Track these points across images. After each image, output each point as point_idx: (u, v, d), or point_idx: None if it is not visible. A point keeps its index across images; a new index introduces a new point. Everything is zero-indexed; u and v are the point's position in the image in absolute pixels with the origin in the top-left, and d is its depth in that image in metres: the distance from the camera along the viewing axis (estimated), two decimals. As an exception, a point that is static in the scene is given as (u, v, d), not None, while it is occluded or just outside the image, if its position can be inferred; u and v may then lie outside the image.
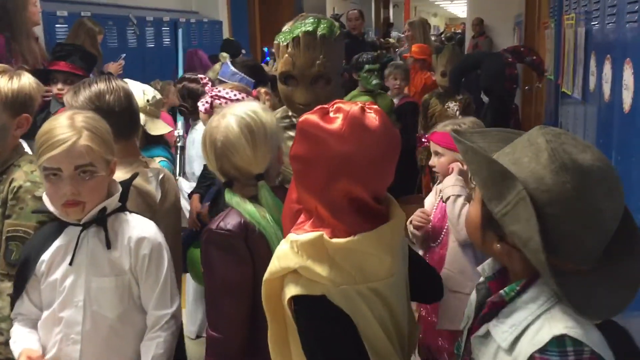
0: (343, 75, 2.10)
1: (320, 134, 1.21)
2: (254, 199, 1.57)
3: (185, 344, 1.90)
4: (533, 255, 1.03)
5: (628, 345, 1.16)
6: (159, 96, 2.59)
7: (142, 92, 2.42)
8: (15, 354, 1.61)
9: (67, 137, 1.50)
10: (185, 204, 2.79)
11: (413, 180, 4.75)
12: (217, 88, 2.43)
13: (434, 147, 2.26)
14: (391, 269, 1.27)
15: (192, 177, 3.19)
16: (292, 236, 1.26)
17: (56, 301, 1.60)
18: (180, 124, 3.47)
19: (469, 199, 2.02)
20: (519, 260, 1.09)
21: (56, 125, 1.53)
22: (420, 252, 2.26)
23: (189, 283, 3.13)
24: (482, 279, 1.23)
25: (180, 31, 4.54)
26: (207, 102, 2.35)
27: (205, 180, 2.79)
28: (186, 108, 3.30)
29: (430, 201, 2.31)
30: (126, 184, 1.68)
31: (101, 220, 1.60)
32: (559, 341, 1.02)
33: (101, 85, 1.83)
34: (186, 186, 3.09)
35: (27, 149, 1.92)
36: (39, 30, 3.82)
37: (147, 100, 2.44)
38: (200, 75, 2.94)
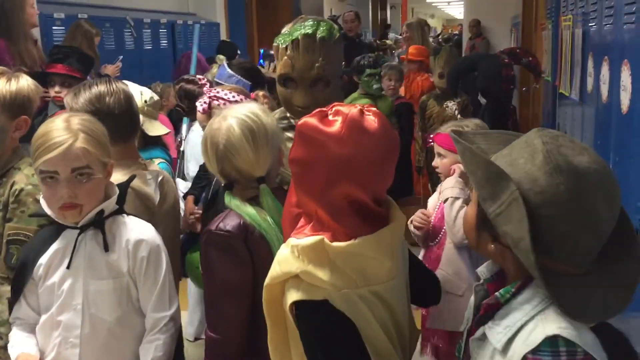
0: (342, 77, 2.10)
1: (320, 137, 1.20)
2: (254, 200, 1.57)
3: (184, 346, 1.89)
4: (523, 256, 1.03)
5: (624, 347, 1.15)
6: (156, 98, 2.59)
7: (139, 94, 2.43)
8: (13, 358, 1.61)
9: (63, 139, 1.50)
10: (181, 204, 2.79)
11: (408, 181, 4.76)
12: (215, 89, 2.43)
13: (437, 148, 2.29)
14: (392, 271, 1.27)
15: (187, 177, 3.19)
16: (292, 240, 1.25)
17: (54, 305, 1.60)
18: (185, 127, 3.47)
19: (467, 202, 2.03)
20: (512, 261, 1.09)
21: (52, 128, 1.53)
22: (422, 251, 2.30)
23: (190, 285, 3.13)
24: (481, 280, 1.23)
25: (197, 29, 4.51)
26: (205, 102, 2.34)
27: (200, 182, 2.78)
28: (182, 109, 3.30)
29: (433, 201, 2.34)
30: (123, 186, 1.67)
31: (99, 223, 1.59)
32: (551, 341, 1.03)
33: (101, 88, 1.83)
34: (182, 186, 3.08)
35: None
36: (36, 33, 3.81)
37: (145, 101, 2.45)
38: (198, 76, 2.94)
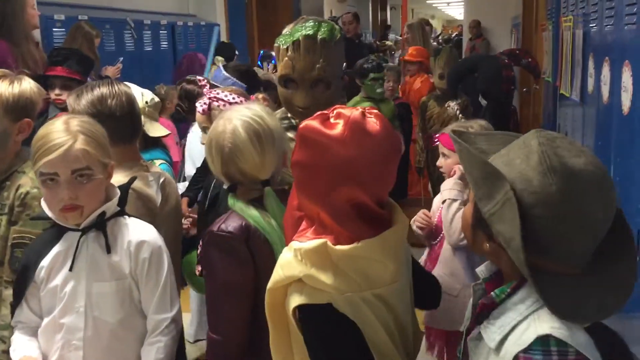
0: (343, 78, 2.10)
1: (322, 140, 1.20)
2: (257, 202, 1.57)
3: (185, 347, 1.89)
4: (514, 255, 1.04)
5: (619, 348, 1.16)
6: (157, 99, 2.60)
7: (140, 95, 2.43)
8: None
9: (62, 141, 1.50)
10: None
11: (403, 184, 4.78)
12: (215, 90, 2.43)
13: (441, 148, 2.33)
14: (395, 274, 1.27)
15: (186, 178, 3.19)
16: (295, 244, 1.25)
17: (57, 307, 1.60)
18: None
19: (465, 204, 2.05)
20: (507, 261, 1.10)
21: (51, 130, 1.53)
22: (426, 250, 2.36)
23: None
24: (480, 280, 1.24)
25: (216, 32, 4.50)
26: (205, 103, 2.34)
27: (196, 184, 2.78)
28: (182, 108, 3.29)
29: (437, 201, 2.38)
30: (125, 188, 1.67)
31: (100, 224, 1.59)
32: (543, 341, 1.03)
33: (103, 90, 1.83)
34: (181, 186, 3.08)
35: None
36: (36, 34, 3.81)
37: (146, 102, 2.45)
38: (198, 77, 2.94)
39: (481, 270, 1.23)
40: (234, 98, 2.48)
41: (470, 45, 7.78)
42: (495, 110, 3.93)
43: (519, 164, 1.08)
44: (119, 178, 1.71)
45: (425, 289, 1.50)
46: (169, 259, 1.66)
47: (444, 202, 2.19)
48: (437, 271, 2.14)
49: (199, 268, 2.30)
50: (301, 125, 1.26)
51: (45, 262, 1.60)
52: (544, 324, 1.05)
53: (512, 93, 4.24)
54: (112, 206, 1.61)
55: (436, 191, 4.86)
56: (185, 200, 2.73)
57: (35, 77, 2.60)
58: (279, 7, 8.50)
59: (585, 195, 1.03)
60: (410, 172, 5.14)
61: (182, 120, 3.81)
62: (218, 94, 2.36)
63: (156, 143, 2.56)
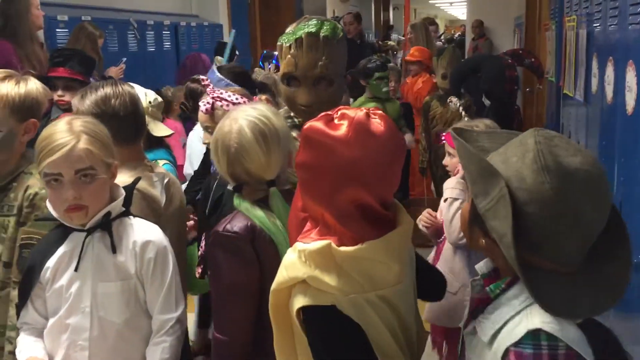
0: (346, 77, 2.11)
1: (326, 141, 1.20)
2: (262, 202, 1.57)
3: (190, 346, 1.89)
4: (506, 251, 1.06)
5: (612, 345, 1.16)
6: (160, 99, 2.61)
7: (144, 95, 2.44)
8: None
9: (65, 141, 1.50)
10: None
11: (404, 184, 4.77)
12: (218, 90, 2.43)
13: (447, 147, 2.36)
14: (399, 276, 1.27)
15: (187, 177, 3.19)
16: (299, 245, 1.25)
17: (62, 308, 1.60)
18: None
19: (465, 203, 2.09)
20: (502, 257, 1.11)
21: (55, 130, 1.53)
22: (433, 250, 2.41)
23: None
24: (478, 276, 1.26)
25: (232, 34, 4.49)
26: (208, 103, 2.34)
27: (194, 186, 2.77)
28: (186, 107, 3.29)
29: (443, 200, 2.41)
30: (129, 188, 1.67)
31: (106, 225, 1.60)
32: (533, 335, 1.05)
33: (107, 90, 1.85)
34: (183, 187, 3.08)
35: None
36: (40, 35, 3.82)
37: (149, 102, 2.46)
38: (202, 77, 2.93)
39: (480, 266, 1.25)
40: (237, 98, 2.48)
41: (473, 45, 7.77)
42: (498, 110, 3.92)
43: (515, 162, 1.09)
44: (123, 178, 1.71)
45: (430, 282, 1.51)
46: (174, 259, 1.67)
47: (445, 200, 2.22)
48: (438, 268, 2.17)
49: (199, 270, 2.31)
50: (305, 126, 1.26)
51: (50, 262, 1.61)
52: (535, 318, 1.06)
53: (515, 93, 4.23)
54: (117, 206, 1.62)
55: (439, 191, 4.88)
56: None
57: (38, 78, 2.61)
58: (282, 8, 8.50)
59: (580, 195, 1.04)
60: (412, 172, 5.14)
61: (187, 119, 3.81)
62: (222, 93, 2.35)
63: (160, 143, 2.56)
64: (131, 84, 2.25)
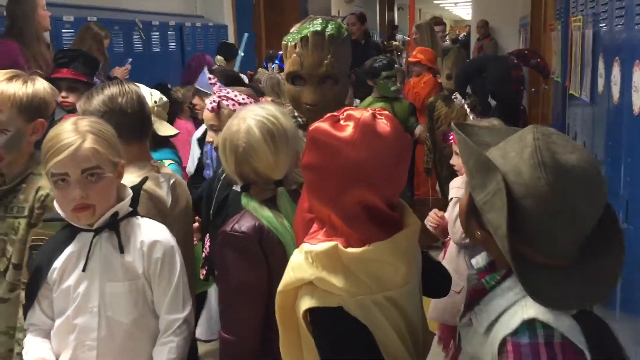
0: (350, 77, 2.11)
1: (332, 142, 1.20)
2: (270, 202, 1.57)
3: (197, 347, 1.90)
4: (500, 243, 1.08)
5: (607, 335, 1.17)
6: (165, 99, 2.62)
7: (149, 95, 2.44)
8: None
9: (71, 141, 1.51)
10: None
11: (410, 182, 4.77)
12: (225, 89, 2.43)
13: (454, 147, 2.37)
14: (406, 277, 1.27)
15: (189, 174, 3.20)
16: (306, 246, 1.25)
17: (69, 308, 1.60)
18: None
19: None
20: (497, 249, 1.12)
21: (61, 130, 1.54)
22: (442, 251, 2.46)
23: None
24: (474, 270, 1.28)
25: (245, 37, 4.49)
26: (214, 101, 2.34)
27: (191, 188, 2.77)
28: (195, 106, 3.31)
29: None
30: (136, 189, 1.68)
31: (113, 225, 1.60)
32: (529, 324, 1.08)
33: (114, 89, 1.86)
34: None
35: None
36: (46, 35, 3.83)
37: (155, 102, 2.47)
38: (208, 76, 2.94)
39: (476, 260, 1.27)
40: (243, 98, 2.48)
41: (478, 46, 7.76)
42: (504, 111, 3.91)
43: (513, 156, 1.11)
44: (130, 178, 1.71)
45: (436, 279, 1.50)
46: (182, 260, 1.67)
47: (451, 199, 2.24)
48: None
49: (204, 272, 2.31)
50: (311, 128, 1.26)
51: (58, 263, 1.61)
52: (531, 309, 1.09)
53: (521, 93, 4.22)
54: (124, 206, 1.62)
55: (444, 191, 4.87)
56: None
57: (44, 79, 2.61)
58: (286, 8, 8.50)
59: (575, 192, 1.06)
60: (417, 172, 5.13)
61: (197, 119, 3.82)
62: (228, 93, 2.35)
63: (165, 143, 2.57)
64: (137, 84, 2.26)
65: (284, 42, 2.00)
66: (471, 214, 1.19)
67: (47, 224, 1.71)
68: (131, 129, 1.84)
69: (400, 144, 1.24)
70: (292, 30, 2.00)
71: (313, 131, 1.24)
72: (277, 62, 4.25)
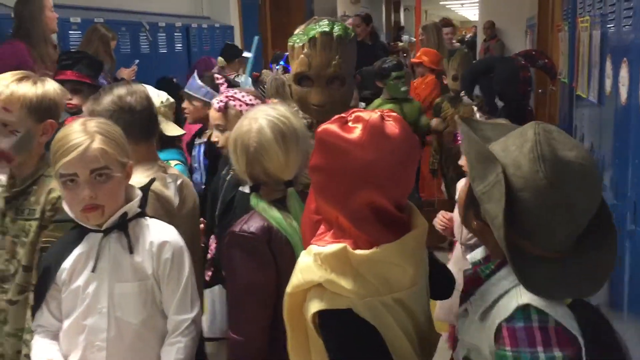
0: (355, 77, 2.11)
1: (341, 144, 1.20)
2: (279, 203, 1.57)
3: (205, 347, 1.89)
4: (496, 232, 1.12)
5: (603, 325, 1.19)
6: (171, 99, 2.63)
7: (156, 95, 2.45)
8: None
9: (80, 141, 1.51)
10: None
11: (416, 184, 4.76)
12: (232, 90, 2.44)
13: (462, 147, 2.38)
14: (414, 278, 1.27)
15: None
16: (314, 248, 1.25)
17: (78, 309, 1.60)
18: None
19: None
20: (492, 239, 1.16)
21: (69, 131, 1.54)
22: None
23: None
24: (470, 264, 1.32)
25: (256, 40, 4.50)
26: (221, 101, 2.34)
27: None
28: (182, 109, 3.31)
29: None
30: (144, 189, 1.68)
31: (122, 225, 1.60)
32: (524, 310, 1.11)
33: (122, 89, 1.88)
34: None
35: None
36: (53, 37, 3.85)
37: (161, 102, 2.48)
38: (216, 75, 2.95)
39: (472, 256, 1.31)
40: (250, 100, 2.49)
41: (484, 47, 7.74)
42: (511, 112, 3.90)
43: (513, 150, 1.15)
44: (138, 178, 1.72)
45: (441, 281, 1.50)
46: (190, 260, 1.67)
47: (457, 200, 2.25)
48: (450, 266, 2.21)
49: (209, 274, 2.30)
50: (319, 130, 1.26)
51: (67, 263, 1.61)
52: (525, 296, 1.12)
53: (528, 94, 4.21)
54: (133, 207, 1.62)
55: (450, 192, 4.86)
56: None
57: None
58: (292, 9, 8.52)
59: (572, 186, 1.09)
60: (422, 175, 5.12)
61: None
62: (235, 93, 2.36)
63: (171, 143, 2.57)
64: (143, 84, 2.27)
65: (290, 44, 2.00)
66: (470, 204, 1.23)
67: (58, 227, 1.71)
68: (140, 128, 1.86)
69: (408, 145, 1.24)
70: (296, 32, 2.00)
71: (321, 133, 1.24)
72: (282, 63, 4.25)
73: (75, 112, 2.98)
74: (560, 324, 1.09)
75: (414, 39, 9.45)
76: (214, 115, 2.35)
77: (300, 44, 1.92)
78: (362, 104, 4.38)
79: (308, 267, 1.24)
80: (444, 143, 4.72)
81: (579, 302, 1.16)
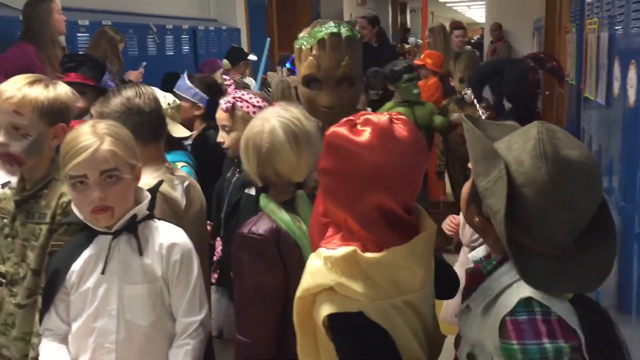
0: (362, 79, 2.11)
1: (350, 147, 1.20)
2: (288, 204, 1.57)
3: (214, 347, 1.89)
4: (498, 227, 1.14)
5: (604, 320, 1.20)
6: (178, 101, 2.64)
7: (162, 97, 2.46)
8: None
9: (90, 143, 1.52)
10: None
11: (424, 185, 4.74)
12: (240, 91, 2.44)
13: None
14: (424, 280, 1.27)
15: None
16: (324, 251, 1.25)
17: (87, 311, 1.60)
18: None
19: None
20: (493, 235, 1.18)
21: (79, 133, 1.55)
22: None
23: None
24: (472, 263, 1.33)
25: (267, 43, 4.52)
26: (229, 102, 2.35)
27: None
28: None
29: None
30: (152, 191, 1.68)
31: (132, 227, 1.60)
32: (526, 303, 1.13)
33: (130, 91, 1.90)
34: None
35: None
36: (61, 39, 3.87)
37: (168, 104, 2.48)
38: (224, 77, 2.96)
39: (473, 254, 1.33)
40: (257, 102, 2.49)
41: (491, 48, 7.73)
42: (519, 114, 3.90)
43: (516, 148, 1.17)
44: (146, 179, 1.72)
45: (445, 281, 1.50)
46: (199, 262, 1.67)
47: None
48: (455, 270, 2.22)
49: (215, 276, 2.30)
50: (328, 132, 1.26)
51: (76, 266, 1.61)
52: (526, 289, 1.13)
53: (537, 96, 4.20)
54: (142, 209, 1.62)
55: (456, 194, 4.85)
56: None
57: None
58: (299, 10, 8.53)
59: (574, 185, 1.11)
60: (428, 176, 5.11)
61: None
62: (243, 95, 2.36)
63: (178, 145, 2.58)
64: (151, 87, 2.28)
65: (297, 46, 2.00)
66: (472, 200, 1.25)
67: (68, 230, 1.71)
68: (148, 129, 1.87)
69: (417, 148, 1.24)
70: (301, 35, 2.00)
71: (330, 136, 1.25)
72: (288, 65, 4.24)
73: (79, 114, 2.98)
74: (561, 317, 1.11)
75: (421, 41, 9.44)
76: (220, 115, 2.35)
77: (308, 46, 1.91)
78: (368, 109, 4.37)
79: (318, 270, 1.24)
80: (450, 145, 4.72)
81: (581, 298, 1.18)
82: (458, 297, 1.83)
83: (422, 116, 4.08)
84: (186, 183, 1.98)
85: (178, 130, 2.51)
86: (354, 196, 1.21)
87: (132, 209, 1.60)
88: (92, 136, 1.53)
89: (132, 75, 4.37)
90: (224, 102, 2.37)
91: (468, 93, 4.22)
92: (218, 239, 2.41)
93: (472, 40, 11.96)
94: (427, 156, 1.33)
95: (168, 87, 3.02)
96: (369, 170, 1.19)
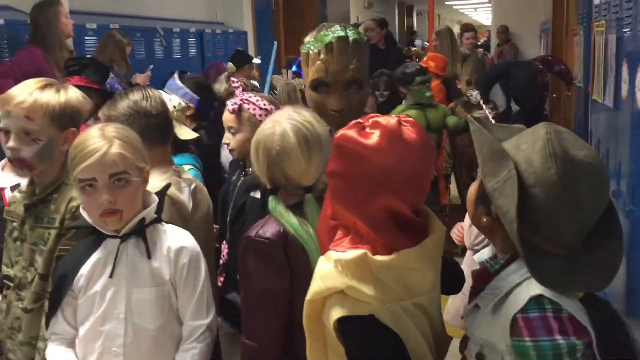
0: (369, 82, 2.11)
1: (359, 150, 1.20)
2: (296, 208, 1.57)
3: (221, 350, 1.89)
4: (508, 225, 1.14)
5: (614, 319, 1.20)
6: (184, 104, 2.65)
7: (168, 99, 2.46)
8: None
9: (99, 146, 1.52)
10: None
11: (433, 188, 4.72)
12: (247, 93, 2.44)
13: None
14: (434, 282, 1.27)
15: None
16: (334, 254, 1.25)
17: (95, 314, 1.60)
18: None
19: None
20: (500, 235, 1.20)
21: (87, 137, 1.55)
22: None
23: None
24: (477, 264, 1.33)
25: (275, 46, 4.53)
26: (235, 104, 2.35)
27: None
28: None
29: None
30: (160, 195, 1.68)
31: (140, 231, 1.60)
32: (537, 300, 1.14)
33: (137, 94, 1.90)
34: None
35: None
36: (69, 43, 3.89)
37: (174, 107, 2.49)
38: (232, 78, 2.97)
39: (479, 256, 1.32)
40: (264, 104, 2.49)
41: (498, 51, 7.71)
42: (527, 116, 3.88)
43: (525, 148, 1.18)
44: (154, 182, 1.72)
45: (450, 276, 1.49)
46: (206, 266, 1.67)
47: None
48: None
49: (221, 279, 2.30)
50: (337, 135, 1.26)
51: (84, 269, 1.61)
52: (536, 287, 1.14)
53: (545, 99, 4.18)
54: (151, 212, 1.62)
55: (463, 196, 4.84)
56: None
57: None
58: (305, 14, 8.55)
59: (582, 185, 1.12)
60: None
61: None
62: (250, 97, 2.36)
63: (185, 148, 2.58)
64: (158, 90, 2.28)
65: (303, 51, 1.99)
66: (480, 200, 1.25)
67: (76, 234, 1.70)
68: (156, 132, 1.88)
69: (425, 150, 1.24)
70: (307, 39, 2.00)
71: (339, 139, 1.25)
72: (294, 67, 4.24)
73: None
74: (572, 315, 1.12)
75: (427, 44, 9.43)
76: (227, 117, 2.35)
77: (316, 51, 1.91)
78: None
79: (329, 273, 1.24)
80: (457, 148, 4.71)
81: (591, 297, 1.18)
82: (458, 300, 1.83)
83: (434, 119, 4.04)
84: (193, 186, 1.98)
85: (184, 133, 2.52)
86: (362, 199, 1.21)
87: (141, 212, 1.60)
88: (101, 139, 1.53)
89: (140, 78, 4.39)
90: (230, 104, 2.37)
91: (474, 94, 4.20)
92: (224, 242, 2.41)
93: (479, 43, 11.93)
94: (435, 158, 1.33)
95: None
96: (377, 172, 1.19)
